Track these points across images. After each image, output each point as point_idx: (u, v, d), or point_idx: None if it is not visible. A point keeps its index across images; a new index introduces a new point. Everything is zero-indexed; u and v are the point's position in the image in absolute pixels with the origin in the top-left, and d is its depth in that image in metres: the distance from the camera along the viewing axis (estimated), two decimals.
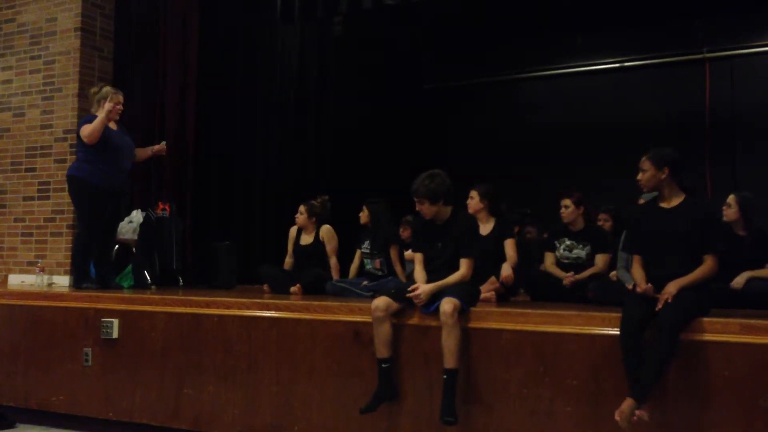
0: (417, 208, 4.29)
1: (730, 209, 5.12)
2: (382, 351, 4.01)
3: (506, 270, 5.03)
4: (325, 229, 5.99)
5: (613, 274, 5.36)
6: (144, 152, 6.00)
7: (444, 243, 4.26)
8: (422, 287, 4.06)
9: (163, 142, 6.16)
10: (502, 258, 5.20)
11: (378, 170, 8.99)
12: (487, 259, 4.90)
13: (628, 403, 3.39)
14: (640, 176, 3.92)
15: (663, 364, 3.42)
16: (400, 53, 9.91)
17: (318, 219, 6.07)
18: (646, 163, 3.90)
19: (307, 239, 6.05)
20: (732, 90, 9.02)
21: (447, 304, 3.85)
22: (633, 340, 3.50)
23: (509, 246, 5.22)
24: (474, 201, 5.35)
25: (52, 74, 6.82)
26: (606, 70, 9.90)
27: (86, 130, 5.46)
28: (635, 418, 3.37)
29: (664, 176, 3.85)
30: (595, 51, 9.88)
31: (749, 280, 4.77)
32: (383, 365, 4.00)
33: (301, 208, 6.06)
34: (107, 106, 5.47)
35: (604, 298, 4.64)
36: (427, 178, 4.21)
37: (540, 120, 10.04)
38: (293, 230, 6.16)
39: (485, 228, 5.25)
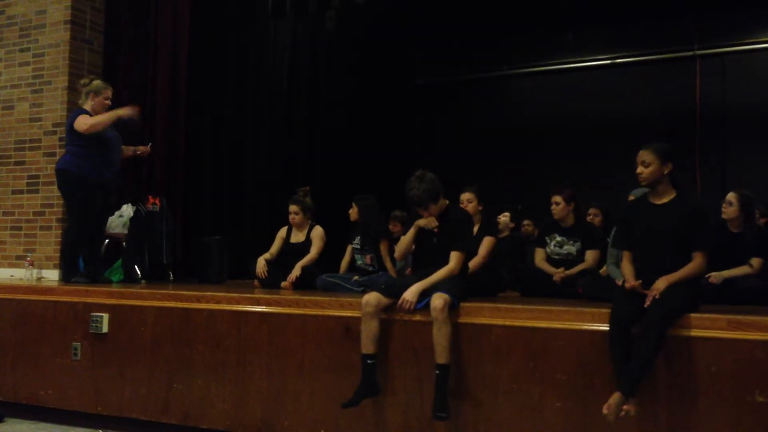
0: (425, 215, 4.27)
1: (731, 207, 5.12)
2: (369, 347, 4.01)
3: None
4: (317, 231, 5.97)
5: (603, 270, 5.38)
6: (127, 150, 5.97)
7: (439, 236, 4.26)
8: (408, 292, 4.04)
9: (149, 144, 6.14)
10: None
11: (368, 166, 9.00)
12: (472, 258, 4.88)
13: (615, 398, 3.40)
14: (640, 170, 3.84)
15: (649, 359, 3.43)
16: (392, 48, 9.90)
17: (311, 214, 6.05)
18: (649, 156, 3.82)
19: (299, 237, 6.03)
20: (722, 87, 9.06)
21: (437, 300, 3.86)
22: (621, 335, 3.52)
23: (486, 243, 5.19)
24: (473, 204, 5.30)
25: (41, 67, 6.78)
26: (597, 66, 9.93)
27: (89, 120, 5.45)
28: (622, 412, 3.39)
29: (667, 171, 3.82)
30: (586, 47, 9.91)
31: (732, 279, 4.82)
32: (368, 361, 4.00)
33: (294, 207, 5.97)
34: (122, 112, 5.50)
35: (593, 294, 4.66)
36: (420, 183, 4.17)
37: (531, 116, 10.07)
38: (283, 230, 6.14)
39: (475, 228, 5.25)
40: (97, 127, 5.47)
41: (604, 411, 3.40)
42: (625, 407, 3.39)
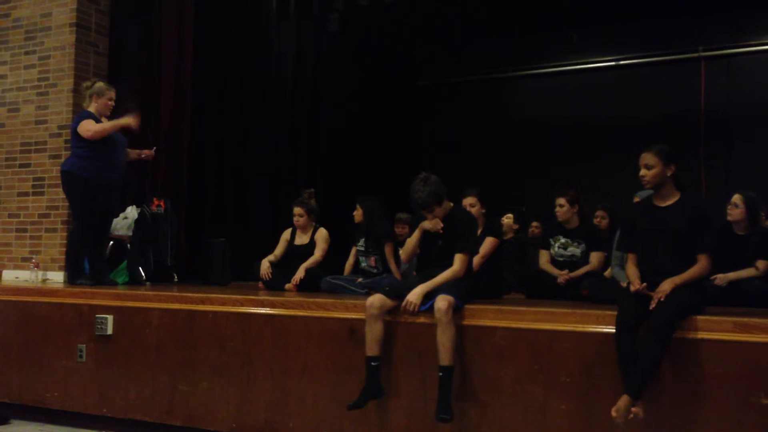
0: (429, 218, 4.27)
1: (737, 209, 5.10)
2: (373, 349, 4.01)
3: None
4: (322, 233, 5.97)
5: (607, 272, 5.37)
6: (132, 153, 5.98)
7: (443, 238, 4.26)
8: (412, 294, 4.04)
9: (154, 148, 6.15)
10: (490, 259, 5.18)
11: (372, 167, 9.01)
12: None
13: (624, 401, 3.40)
14: (644, 172, 3.81)
15: (655, 361, 3.43)
16: (395, 49, 9.91)
17: (315, 216, 6.06)
18: (652, 159, 3.79)
19: (303, 239, 6.03)
20: (727, 89, 9.05)
21: (442, 302, 3.85)
22: (627, 338, 3.51)
23: (486, 243, 5.18)
24: (476, 208, 5.24)
25: (47, 70, 6.79)
26: (601, 68, 9.92)
27: (93, 127, 5.46)
28: (631, 415, 3.38)
29: (670, 173, 3.80)
30: (590, 49, 9.90)
31: (737, 281, 4.81)
32: (372, 363, 4.00)
33: (299, 210, 5.97)
34: (124, 122, 5.51)
35: (598, 296, 4.66)
36: (424, 186, 4.16)
37: (534, 117, 10.07)
38: (287, 232, 6.14)
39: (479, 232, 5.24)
40: (101, 134, 5.49)
41: (613, 414, 3.39)
42: (633, 410, 3.37)
